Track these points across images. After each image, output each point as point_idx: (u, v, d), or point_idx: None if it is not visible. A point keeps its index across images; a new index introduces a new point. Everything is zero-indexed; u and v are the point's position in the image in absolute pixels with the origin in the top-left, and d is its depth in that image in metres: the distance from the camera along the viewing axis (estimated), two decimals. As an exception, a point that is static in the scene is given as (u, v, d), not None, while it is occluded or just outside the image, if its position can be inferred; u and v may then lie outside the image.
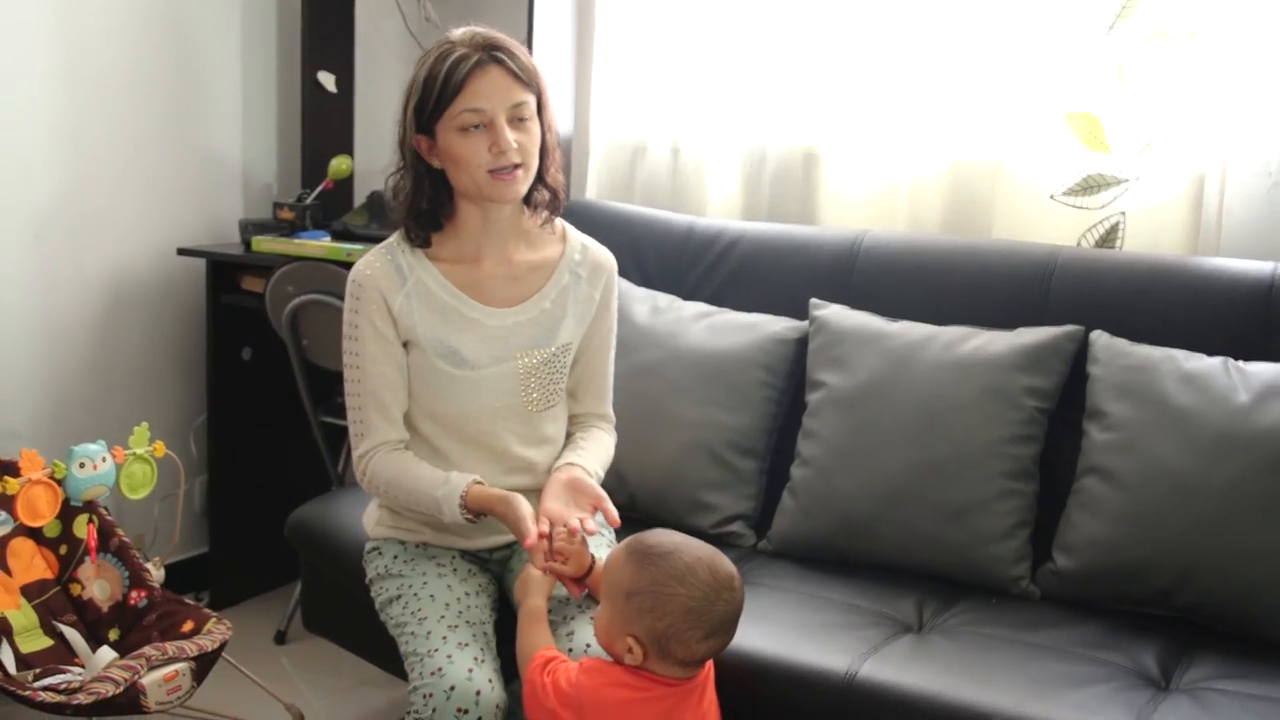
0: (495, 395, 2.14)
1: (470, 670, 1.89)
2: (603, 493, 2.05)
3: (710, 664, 1.88)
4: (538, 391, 2.17)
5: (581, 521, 1.97)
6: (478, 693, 1.87)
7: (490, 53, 2.01)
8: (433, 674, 1.89)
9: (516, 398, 2.15)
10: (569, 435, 2.25)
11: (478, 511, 2.04)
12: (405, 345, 2.13)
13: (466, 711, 1.86)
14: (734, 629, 1.84)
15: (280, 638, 3.15)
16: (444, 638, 1.95)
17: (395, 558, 2.15)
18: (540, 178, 2.12)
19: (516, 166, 2.04)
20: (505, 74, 2.02)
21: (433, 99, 2.02)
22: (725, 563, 1.84)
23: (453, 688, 1.87)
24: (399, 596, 2.08)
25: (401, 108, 2.08)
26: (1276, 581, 2.04)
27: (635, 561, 1.82)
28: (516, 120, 2.03)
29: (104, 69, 3.04)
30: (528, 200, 2.15)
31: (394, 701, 2.88)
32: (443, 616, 2.00)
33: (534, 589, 1.99)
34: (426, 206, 2.11)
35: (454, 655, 1.92)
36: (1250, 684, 1.92)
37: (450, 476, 2.07)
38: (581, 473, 2.10)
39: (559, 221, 2.22)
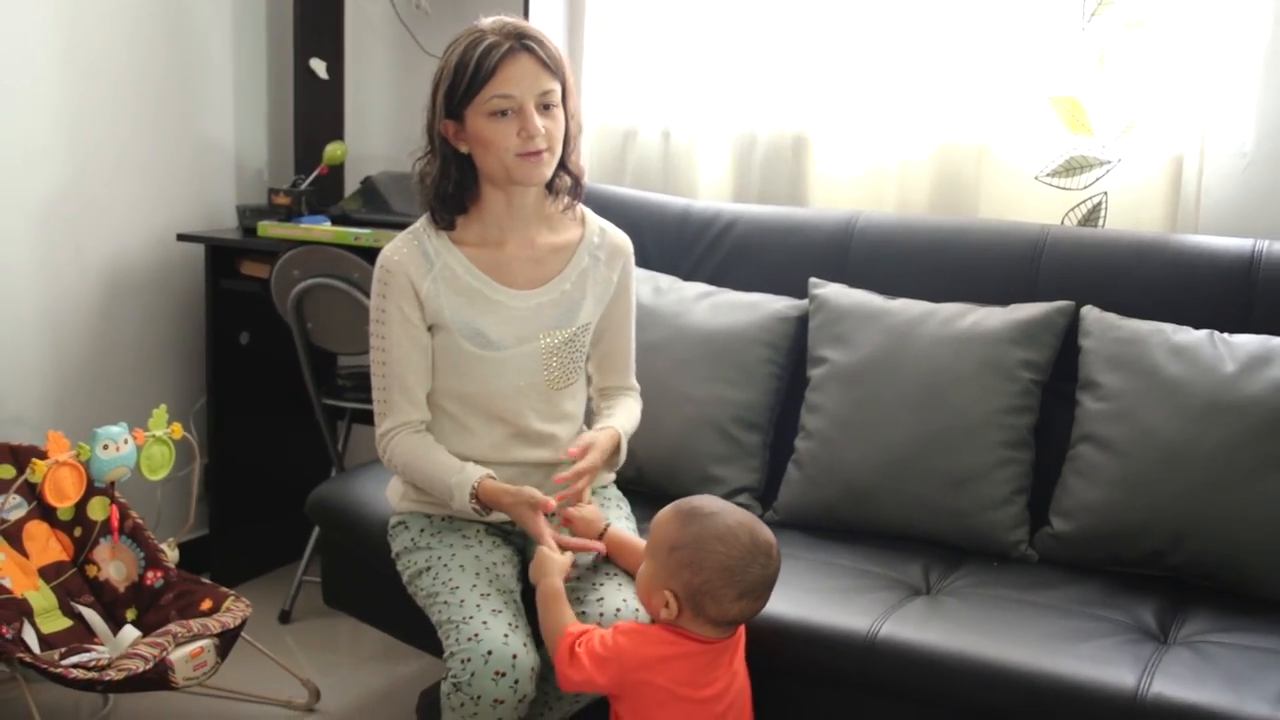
0: (519, 374, 2.21)
1: (506, 636, 1.97)
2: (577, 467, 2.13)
3: (742, 629, 1.97)
4: (559, 370, 2.24)
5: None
6: (514, 656, 1.95)
7: (521, 41, 2.08)
8: (469, 640, 1.96)
9: (539, 376, 2.22)
10: (599, 406, 2.33)
11: (486, 504, 2.11)
12: (431, 328, 2.19)
13: (504, 675, 1.93)
14: (767, 596, 1.94)
15: (284, 617, 3.20)
16: (477, 605, 2.02)
17: (422, 531, 2.22)
18: (563, 163, 2.18)
19: (543, 151, 2.10)
20: (535, 62, 2.09)
21: (464, 84, 2.08)
22: (766, 531, 1.94)
23: (490, 652, 1.94)
24: (429, 568, 2.14)
25: (430, 93, 2.14)
26: (1263, 541, 2.16)
27: (681, 518, 1.93)
28: (543, 107, 2.10)
29: (100, 58, 3.06)
30: (550, 186, 2.22)
31: (395, 678, 2.95)
32: (474, 585, 2.07)
33: (550, 569, 2.04)
34: (452, 190, 2.17)
35: (489, 621, 1.99)
36: (1243, 636, 2.03)
37: (466, 467, 2.13)
38: (598, 436, 2.19)
39: (578, 205, 2.29)
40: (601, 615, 2.03)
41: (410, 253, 2.18)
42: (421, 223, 2.22)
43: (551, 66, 2.11)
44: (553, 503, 2.08)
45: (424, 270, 2.17)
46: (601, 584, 2.10)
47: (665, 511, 1.98)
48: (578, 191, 2.25)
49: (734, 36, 3.03)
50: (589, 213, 2.31)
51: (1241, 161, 2.60)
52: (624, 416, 2.28)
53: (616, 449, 2.23)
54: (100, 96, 3.08)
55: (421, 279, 2.16)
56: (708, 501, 1.97)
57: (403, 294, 2.16)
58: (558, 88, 2.12)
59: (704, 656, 1.91)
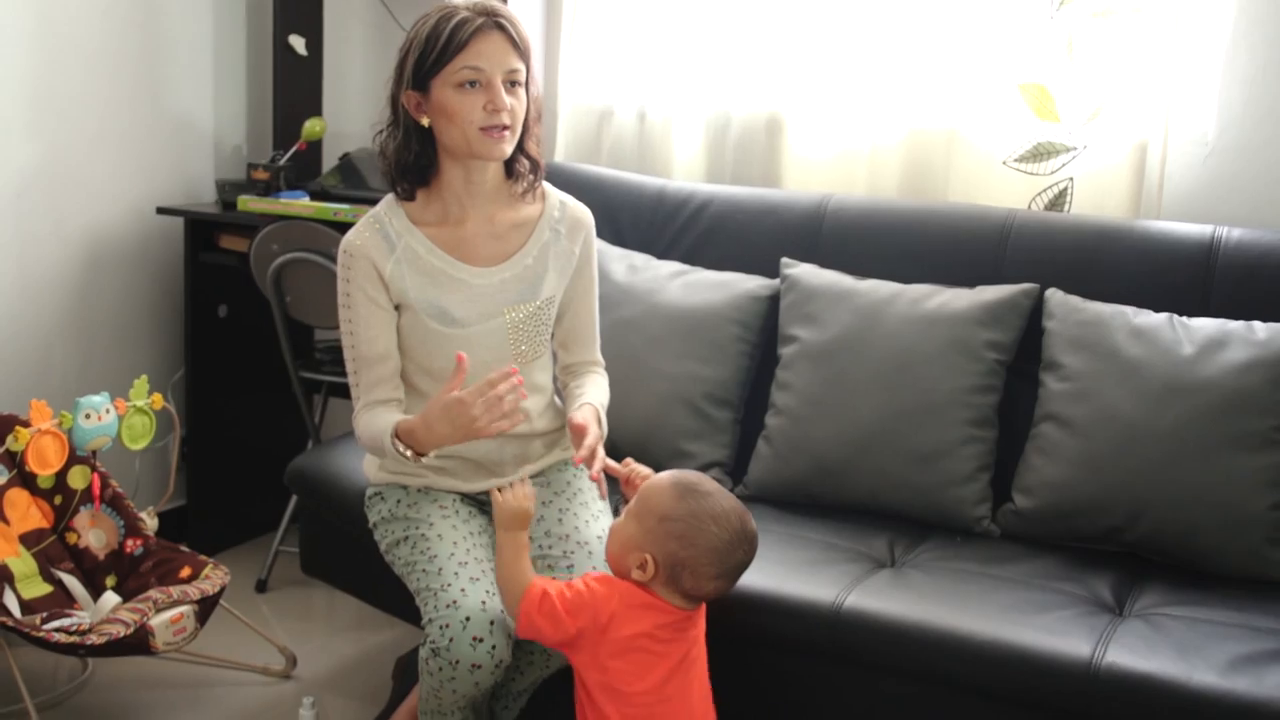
0: (485, 349, 2.24)
1: (483, 602, 2.02)
2: (585, 442, 2.13)
3: (703, 620, 2.03)
4: (526, 344, 2.28)
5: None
6: (491, 622, 2.00)
7: (494, 19, 2.12)
8: (448, 606, 2.01)
9: (506, 351, 2.26)
10: (566, 385, 2.37)
11: (411, 444, 2.09)
12: (398, 308, 2.22)
13: (481, 640, 1.99)
14: (736, 580, 2.00)
15: (261, 586, 3.25)
16: (455, 573, 2.07)
17: (399, 502, 2.26)
18: (521, 147, 2.22)
19: (506, 127, 2.14)
20: (505, 40, 2.13)
21: (434, 54, 2.11)
22: (752, 521, 2.01)
23: (468, 618, 1.99)
24: (406, 538, 2.19)
25: (397, 64, 2.17)
26: (1216, 518, 2.23)
27: (677, 491, 1.97)
28: (509, 84, 2.13)
29: (75, 31, 3.08)
30: (510, 170, 2.26)
31: (370, 646, 2.99)
32: (452, 554, 2.12)
33: (516, 521, 2.01)
34: (412, 161, 2.20)
35: (466, 589, 2.04)
36: (1195, 609, 2.10)
37: (391, 418, 2.13)
38: (585, 412, 2.20)
39: (539, 184, 2.31)
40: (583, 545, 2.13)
41: (371, 236, 2.21)
42: (383, 206, 2.25)
43: (520, 47, 2.15)
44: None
45: (386, 252, 2.20)
46: (572, 553, 2.16)
47: (660, 479, 2.02)
48: (536, 176, 2.28)
49: (710, 18, 3.07)
50: (549, 187, 2.34)
51: (1203, 150, 2.67)
52: (596, 392, 2.32)
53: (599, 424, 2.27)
54: (76, 70, 3.09)
55: (384, 261, 2.19)
56: (705, 481, 2.02)
57: (366, 277, 2.19)
58: (524, 69, 2.16)
59: (668, 616, 1.96)
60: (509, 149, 2.19)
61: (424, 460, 2.11)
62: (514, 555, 2.00)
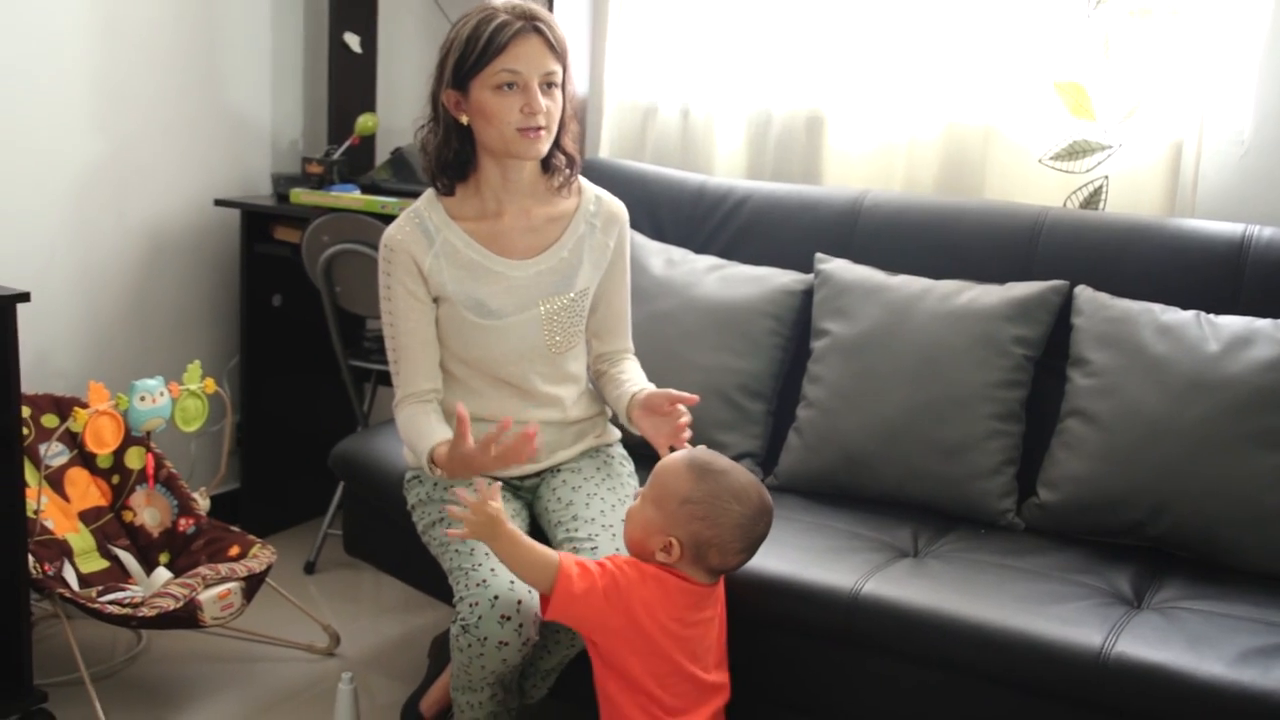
0: (521, 340, 2.32)
1: (512, 582, 2.09)
2: (669, 391, 2.23)
3: (721, 579, 2.10)
4: (560, 334, 2.35)
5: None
6: (519, 602, 2.07)
7: (532, 22, 2.19)
8: (478, 585, 2.09)
9: (541, 341, 2.34)
10: (603, 373, 2.43)
11: (444, 468, 2.17)
12: (436, 300, 2.30)
13: (509, 618, 2.06)
14: (756, 551, 2.07)
15: (309, 568, 3.35)
16: (486, 553, 2.14)
17: (435, 484, 2.34)
18: (557, 143, 2.29)
19: (542, 128, 2.21)
20: (543, 43, 2.19)
21: (474, 56, 2.18)
22: (767, 492, 2.08)
23: (496, 597, 2.07)
24: (441, 519, 2.27)
25: (438, 64, 2.25)
26: (1237, 513, 2.25)
27: (695, 473, 2.03)
28: (546, 86, 2.20)
29: (142, 30, 3.20)
30: (546, 165, 2.32)
31: (413, 628, 3.08)
32: None
33: (489, 530, 1.98)
34: (452, 158, 2.28)
35: (496, 569, 2.11)
36: (1213, 603, 2.13)
37: (433, 435, 2.21)
38: (646, 393, 2.28)
39: (575, 178, 2.38)
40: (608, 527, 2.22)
41: (412, 230, 2.29)
42: (422, 201, 2.33)
43: (558, 49, 2.21)
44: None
45: (425, 247, 2.28)
46: (597, 535, 2.22)
47: (675, 462, 2.06)
48: (573, 172, 2.35)
49: (752, 17, 3.12)
50: (584, 181, 2.41)
51: (1239, 149, 2.67)
52: (640, 377, 2.39)
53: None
54: (142, 69, 3.21)
55: (424, 255, 2.27)
56: (717, 459, 2.07)
57: (406, 271, 2.28)
58: (560, 70, 2.22)
59: (691, 595, 2.03)
60: (545, 148, 2.26)
61: (438, 471, 2.20)
62: (518, 551, 1.98)
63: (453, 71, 2.22)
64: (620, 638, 2.01)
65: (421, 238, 2.29)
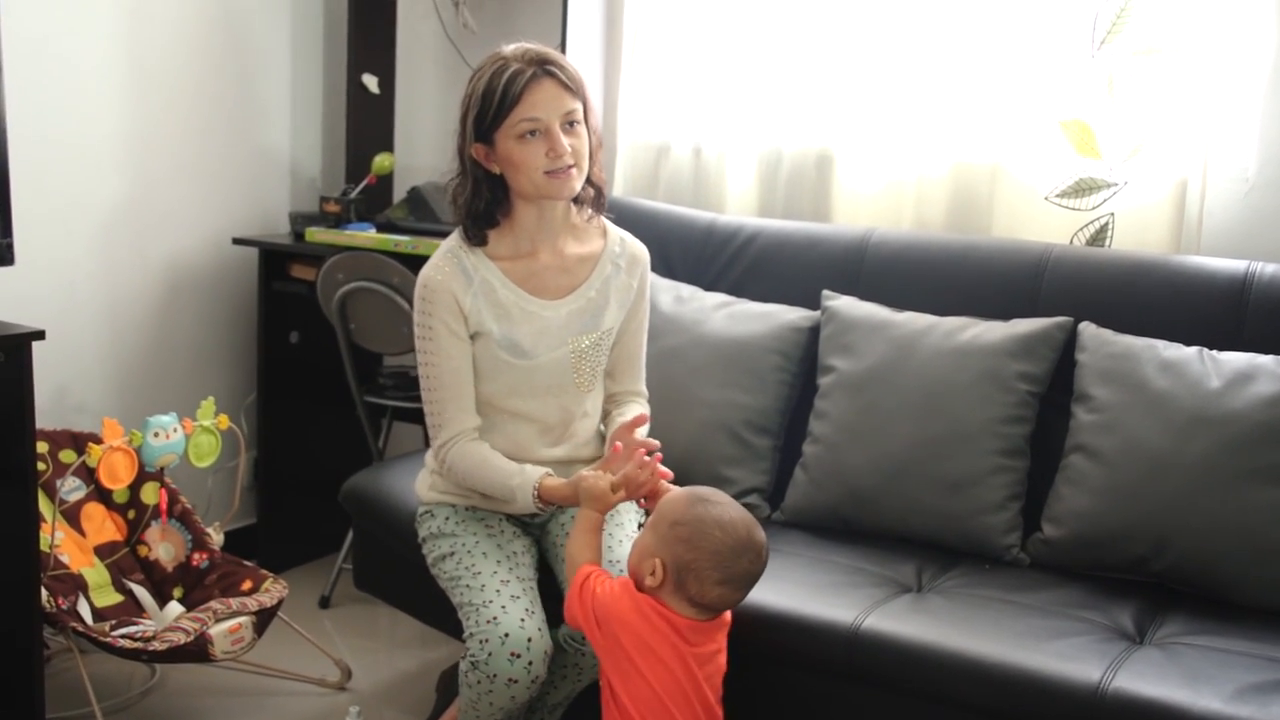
0: (547, 377, 2.34)
1: (522, 620, 2.11)
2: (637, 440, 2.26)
3: (723, 636, 2.10)
4: (585, 373, 2.38)
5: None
6: (529, 640, 2.09)
7: (543, 67, 2.22)
8: (489, 622, 2.11)
9: (568, 379, 2.36)
10: (609, 413, 2.46)
11: (549, 501, 2.25)
12: (473, 337, 2.32)
13: (519, 656, 2.08)
14: (746, 591, 2.08)
15: (324, 602, 3.38)
16: (497, 590, 2.16)
17: (447, 519, 2.36)
18: (587, 177, 2.32)
19: (571, 167, 2.24)
20: (557, 85, 2.22)
21: (492, 110, 2.21)
22: (761, 533, 2.09)
23: (507, 635, 2.08)
24: (452, 553, 2.29)
25: (460, 119, 2.28)
26: (1240, 549, 2.25)
27: (689, 499, 2.09)
28: (568, 125, 2.23)
29: (166, 73, 3.27)
30: (575, 198, 2.36)
31: (426, 663, 3.10)
32: (495, 572, 2.21)
33: (593, 500, 2.17)
34: (484, 209, 2.31)
35: (507, 606, 2.13)
36: (1214, 639, 2.13)
37: (525, 468, 2.26)
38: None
39: (600, 217, 2.43)
40: (610, 552, 2.24)
41: (451, 270, 2.31)
42: (456, 239, 2.35)
43: (572, 88, 2.24)
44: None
45: (465, 285, 2.30)
46: (631, 537, 2.28)
47: (677, 492, 2.15)
48: (600, 202, 2.39)
49: (763, 58, 3.16)
50: (609, 223, 2.45)
51: (1244, 186, 2.69)
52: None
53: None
54: (164, 109, 3.28)
55: (464, 293, 2.29)
56: (717, 493, 2.13)
57: (447, 309, 2.29)
58: (579, 107, 2.25)
59: (676, 624, 2.04)
60: (578, 186, 2.29)
61: (541, 506, 2.25)
62: (584, 529, 2.16)
63: (474, 126, 2.25)
64: (610, 658, 2.05)
65: (460, 276, 2.30)
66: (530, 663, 2.09)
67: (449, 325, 2.28)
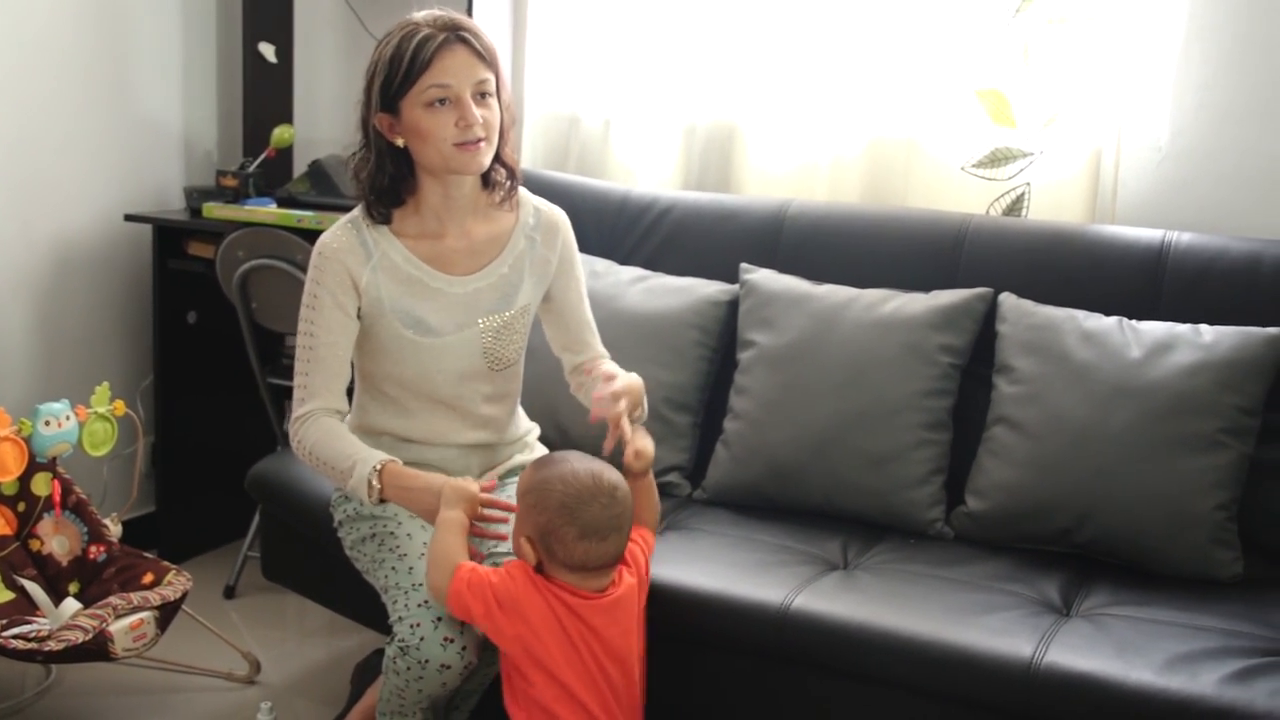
0: (459, 359, 2.26)
1: None
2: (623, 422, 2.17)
3: (627, 619, 2.03)
4: (500, 353, 2.29)
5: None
6: (462, 624, 2.01)
7: (456, 32, 2.12)
8: (420, 605, 2.02)
9: (479, 360, 2.28)
10: (582, 384, 2.37)
11: (389, 486, 2.12)
12: (367, 317, 2.22)
13: (452, 641, 1.99)
14: (612, 539, 1.99)
15: (229, 592, 3.26)
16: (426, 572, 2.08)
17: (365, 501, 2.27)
18: (497, 155, 2.23)
19: (481, 140, 2.15)
20: (470, 53, 2.13)
21: (399, 75, 2.11)
22: (612, 474, 2.02)
23: (439, 618, 2.00)
24: (373, 535, 2.18)
25: (364, 88, 2.17)
26: (1162, 519, 2.25)
27: (534, 466, 2.06)
28: (479, 96, 2.14)
29: (45, 37, 3.10)
30: (486, 180, 2.26)
31: (337, 652, 3.01)
32: (423, 554, 2.10)
33: (461, 500, 2.06)
34: (388, 184, 2.21)
35: None
36: (1140, 609, 2.13)
37: (376, 451, 2.15)
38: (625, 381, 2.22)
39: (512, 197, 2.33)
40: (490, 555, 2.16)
41: (349, 241, 2.21)
42: (359, 212, 2.25)
43: (486, 57, 2.15)
44: (488, 484, 2.16)
45: (362, 259, 2.20)
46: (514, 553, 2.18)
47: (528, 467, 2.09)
48: (513, 184, 2.30)
49: (673, 29, 3.09)
50: (524, 192, 2.35)
51: (1156, 156, 2.70)
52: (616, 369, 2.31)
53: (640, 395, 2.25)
54: (46, 76, 3.12)
55: (360, 268, 2.20)
56: (565, 453, 2.08)
57: (338, 282, 2.19)
58: (492, 78, 2.16)
59: (569, 596, 1.97)
60: (487, 160, 2.19)
61: (371, 502, 2.13)
62: (452, 531, 2.03)
63: (380, 94, 2.15)
64: (517, 645, 1.97)
65: (359, 249, 2.21)
66: (464, 648, 2.00)
67: (336, 297, 2.18)
